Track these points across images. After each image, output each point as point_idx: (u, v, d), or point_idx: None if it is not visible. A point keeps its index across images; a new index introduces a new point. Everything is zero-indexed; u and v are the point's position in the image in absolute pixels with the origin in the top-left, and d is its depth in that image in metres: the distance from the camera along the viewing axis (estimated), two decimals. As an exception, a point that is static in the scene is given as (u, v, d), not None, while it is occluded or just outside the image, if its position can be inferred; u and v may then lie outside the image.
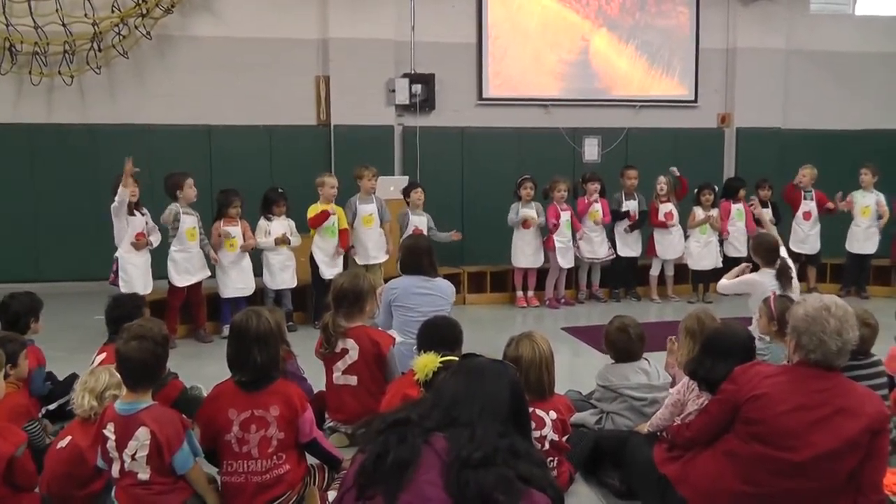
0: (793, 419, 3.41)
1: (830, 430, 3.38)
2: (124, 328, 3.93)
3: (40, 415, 4.99)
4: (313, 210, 8.66)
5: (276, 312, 4.48)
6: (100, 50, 10.20)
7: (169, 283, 7.97)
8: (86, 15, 9.99)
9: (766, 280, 6.49)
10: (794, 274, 6.72)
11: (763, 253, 6.68)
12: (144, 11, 10.18)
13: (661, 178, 10.23)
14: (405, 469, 2.35)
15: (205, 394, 4.49)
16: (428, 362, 4.10)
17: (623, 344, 4.82)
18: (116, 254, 7.63)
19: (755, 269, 6.83)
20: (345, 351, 4.79)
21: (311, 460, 4.08)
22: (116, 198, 7.36)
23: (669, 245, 10.23)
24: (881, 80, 12.68)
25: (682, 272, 10.51)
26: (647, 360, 4.89)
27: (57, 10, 9.90)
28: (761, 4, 12.22)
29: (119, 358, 3.79)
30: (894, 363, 5.26)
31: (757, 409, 3.46)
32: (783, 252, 6.81)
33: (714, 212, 10.17)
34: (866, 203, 10.31)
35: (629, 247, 10.28)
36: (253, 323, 3.92)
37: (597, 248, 10.07)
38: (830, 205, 10.27)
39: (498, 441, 2.41)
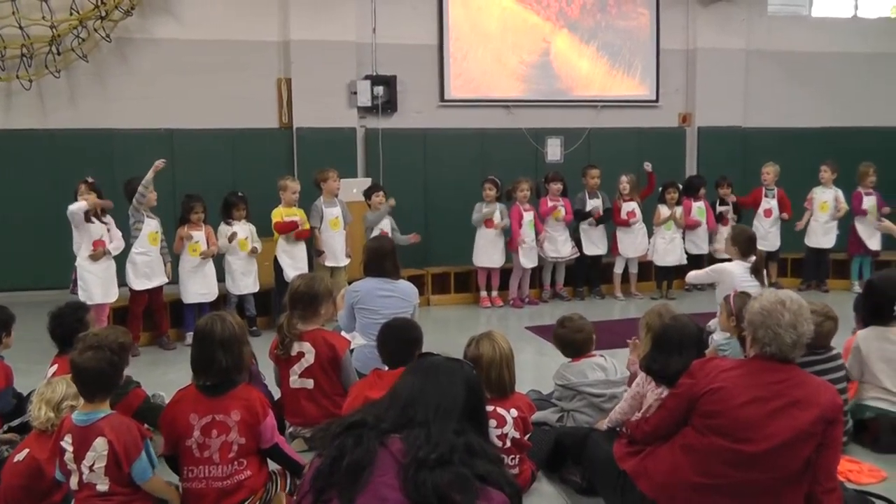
0: (749, 411, 3.45)
1: (786, 421, 3.43)
2: (79, 338, 3.88)
3: (2, 430, 4.92)
4: (277, 214, 8.65)
5: (235, 316, 4.46)
6: (59, 53, 10.07)
7: (129, 288, 7.90)
8: (43, 17, 9.85)
9: (736, 270, 6.53)
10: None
11: (741, 243, 6.70)
12: (103, 14, 10.05)
13: (624, 178, 10.32)
14: (361, 472, 2.36)
15: (167, 401, 4.45)
16: None
17: (566, 337, 4.89)
18: (76, 262, 7.55)
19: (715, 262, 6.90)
20: (301, 354, 4.77)
21: (274, 466, 4.06)
22: (74, 206, 7.29)
23: (632, 243, 10.33)
24: (838, 80, 12.89)
25: (646, 270, 10.63)
26: (603, 356, 4.93)
27: (13, 13, 9.76)
28: (720, 6, 12.37)
29: (74, 369, 3.73)
30: (849, 353, 5.34)
31: (714, 403, 3.50)
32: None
33: (679, 209, 10.28)
34: (825, 199, 10.51)
35: (594, 244, 10.35)
36: (217, 327, 3.91)
37: (560, 247, 10.13)
38: (785, 215, 10.46)
39: (454, 440, 2.42)
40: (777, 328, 3.48)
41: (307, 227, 8.79)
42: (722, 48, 12.40)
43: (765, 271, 6.69)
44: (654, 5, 12.35)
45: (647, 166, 10.38)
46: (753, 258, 6.63)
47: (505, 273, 10.09)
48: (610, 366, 4.86)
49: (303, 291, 4.87)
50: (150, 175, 7.62)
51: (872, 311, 5.35)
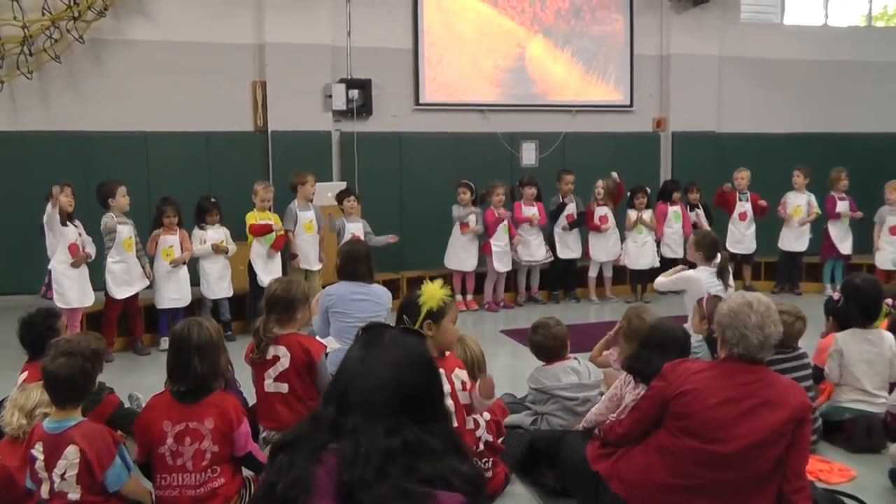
0: (720, 412, 3.50)
1: (756, 422, 3.48)
2: (50, 344, 3.86)
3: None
4: (252, 217, 8.63)
5: (212, 322, 4.44)
6: (31, 54, 9.96)
7: (106, 294, 7.84)
8: (14, 18, 9.71)
9: (702, 277, 6.51)
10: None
11: (705, 250, 6.68)
12: (76, 14, 9.95)
13: (599, 182, 10.39)
14: (296, 499, 2.13)
15: (144, 403, 4.42)
16: (435, 291, 4.06)
17: (541, 341, 4.92)
18: (49, 265, 7.48)
19: (692, 267, 6.91)
20: (276, 358, 4.76)
21: (249, 472, 4.04)
22: (45, 216, 7.23)
23: (603, 247, 10.41)
24: (810, 86, 13.09)
25: (621, 273, 10.70)
26: (576, 359, 4.96)
27: (-16, 14, 9.68)
28: (694, 13, 12.49)
29: (46, 376, 3.70)
30: (822, 356, 5.41)
31: (686, 404, 3.55)
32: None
33: (647, 213, 10.36)
34: (798, 203, 10.66)
35: (568, 248, 10.40)
36: (194, 332, 3.89)
37: (534, 250, 10.17)
38: (763, 202, 10.54)
39: (388, 443, 2.15)
40: (744, 329, 3.54)
41: (281, 232, 8.77)
42: (695, 54, 12.52)
43: (730, 273, 6.68)
44: (628, 11, 12.45)
45: (615, 176, 10.44)
46: (718, 261, 6.61)
47: (480, 277, 10.12)
48: (583, 369, 4.89)
49: (280, 295, 4.86)
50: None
51: (856, 313, 5.42)
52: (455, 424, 3.79)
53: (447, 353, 4.17)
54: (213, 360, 3.89)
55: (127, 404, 5.53)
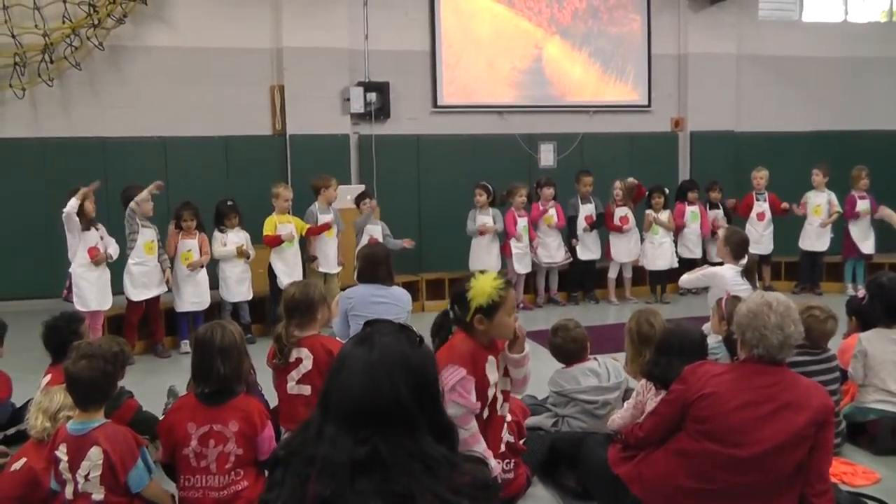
0: (740, 416, 3.49)
1: (777, 425, 3.46)
2: (73, 347, 3.90)
3: (-1, 440, 4.94)
4: (270, 223, 8.67)
5: (235, 326, 4.46)
6: (51, 62, 10.06)
7: (126, 298, 7.91)
8: (36, 26, 9.85)
9: (728, 274, 6.46)
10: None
11: (733, 246, 6.63)
12: (96, 22, 10.06)
13: (617, 183, 10.38)
14: None
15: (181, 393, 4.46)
16: (486, 286, 3.83)
17: (561, 344, 4.90)
18: (70, 269, 7.56)
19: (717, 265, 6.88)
20: (299, 360, 4.77)
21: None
22: (67, 208, 7.30)
23: (625, 248, 10.40)
24: (829, 84, 12.99)
25: (641, 274, 10.68)
26: (596, 359, 4.94)
27: (6, 22, 9.77)
28: (711, 11, 12.43)
29: (68, 378, 3.75)
30: (845, 357, 5.38)
31: (706, 408, 3.54)
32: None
33: (664, 214, 10.36)
34: (818, 202, 10.59)
35: (588, 249, 10.39)
36: (217, 335, 3.93)
37: (553, 252, 10.18)
38: (785, 205, 10.50)
39: (357, 454, 1.99)
40: (763, 330, 3.52)
41: (302, 232, 8.83)
42: (713, 53, 12.46)
43: (757, 274, 6.65)
44: (646, 11, 12.41)
45: (633, 180, 10.42)
46: (745, 261, 6.59)
47: (499, 278, 10.10)
48: (603, 371, 4.86)
49: (298, 299, 4.87)
50: (144, 193, 7.72)
51: (882, 312, 5.38)
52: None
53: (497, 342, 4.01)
54: (235, 362, 3.92)
55: (166, 399, 5.62)
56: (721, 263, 6.92)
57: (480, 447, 3.70)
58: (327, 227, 8.80)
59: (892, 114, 13.02)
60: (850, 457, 5.04)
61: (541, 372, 5.83)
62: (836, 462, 4.61)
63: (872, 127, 12.89)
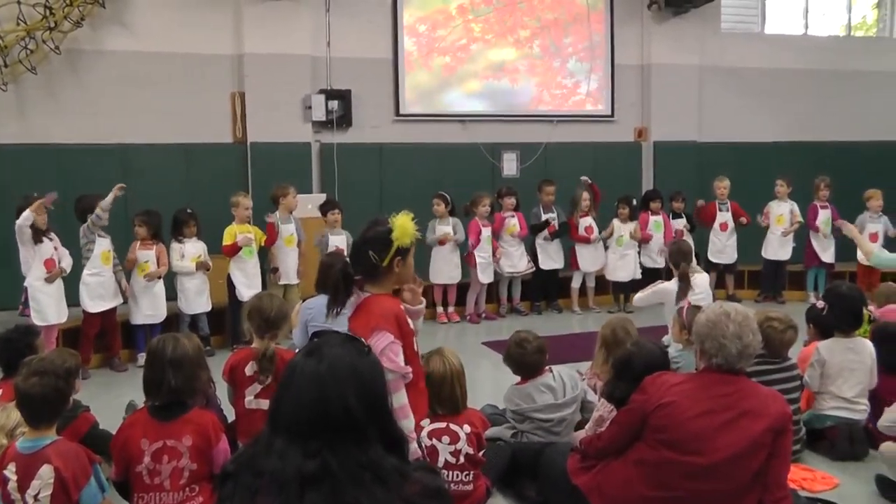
0: (700, 424, 3.53)
1: (736, 433, 3.52)
2: (23, 363, 3.84)
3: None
4: (230, 233, 8.62)
5: (192, 339, 4.42)
6: (6, 66, 9.87)
7: (83, 310, 7.81)
8: (-12, 29, 9.71)
9: (677, 287, 6.52)
10: (701, 281, 6.78)
11: (673, 257, 6.76)
12: (52, 24, 9.85)
13: (585, 195, 10.45)
14: None
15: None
16: (408, 225, 3.69)
17: (520, 358, 4.86)
18: (26, 283, 7.45)
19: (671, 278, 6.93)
20: (256, 374, 4.75)
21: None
22: (20, 220, 7.20)
23: (591, 258, 10.48)
24: (790, 95, 13.17)
25: (604, 283, 10.77)
26: (552, 371, 4.91)
27: (-43, 25, 9.62)
28: (674, 22, 12.56)
29: (19, 395, 3.69)
30: (804, 365, 5.46)
31: (665, 417, 3.57)
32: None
33: (631, 225, 10.50)
34: (781, 212, 10.79)
35: (551, 259, 10.45)
36: (169, 347, 3.91)
37: (516, 261, 10.21)
38: (744, 219, 10.65)
39: (305, 467, 1.99)
40: (722, 339, 3.57)
41: (261, 242, 8.78)
42: (676, 64, 12.58)
43: (690, 283, 6.58)
44: (609, 21, 12.51)
45: (586, 180, 10.52)
46: (682, 268, 6.56)
47: (461, 288, 10.14)
48: (559, 384, 4.82)
49: (276, 315, 4.87)
50: (109, 198, 7.64)
51: (840, 321, 5.47)
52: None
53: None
54: (188, 375, 3.89)
55: (124, 414, 5.54)
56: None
57: (410, 423, 3.57)
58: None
59: (852, 125, 13.27)
60: (810, 463, 5.13)
61: (503, 382, 5.85)
62: (795, 468, 4.70)
63: (833, 138, 13.11)
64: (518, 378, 4.94)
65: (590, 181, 10.51)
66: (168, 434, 3.77)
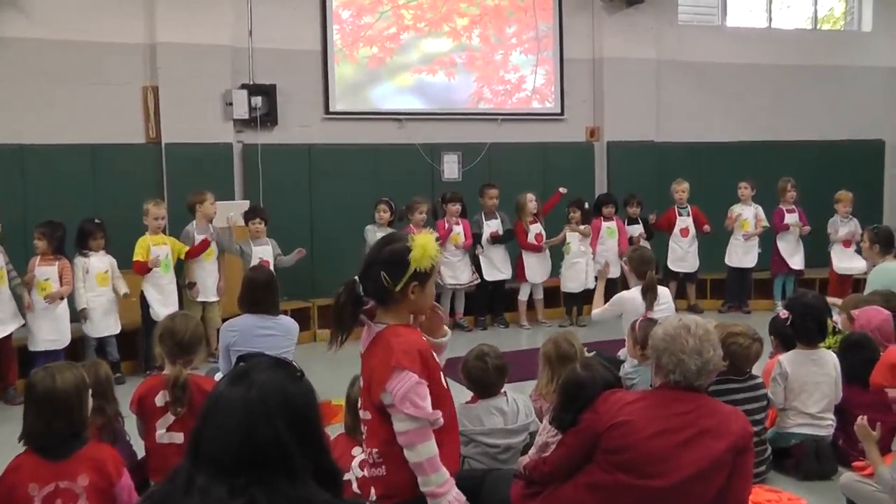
0: (657, 444, 3.59)
1: (696, 452, 3.58)
2: None
3: None
4: (143, 246, 8.52)
5: (100, 366, 4.35)
6: None
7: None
8: None
9: (637, 296, 6.65)
10: (664, 292, 6.94)
11: (634, 265, 6.90)
12: (-63, 10, 9.70)
13: (530, 195, 10.55)
14: None
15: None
16: (429, 245, 3.45)
17: (479, 374, 4.86)
18: None
19: (627, 286, 7.05)
20: (169, 405, 4.69)
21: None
22: None
23: (538, 267, 10.57)
24: (754, 92, 13.44)
25: (554, 295, 10.84)
26: (505, 395, 4.93)
27: None
28: (628, 13, 12.69)
29: None
30: (768, 378, 5.59)
31: (619, 437, 3.62)
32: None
33: (582, 229, 10.58)
34: (745, 216, 11.00)
35: (496, 269, 10.52)
36: (48, 381, 3.78)
37: (459, 273, 10.27)
38: (707, 227, 10.85)
39: (230, 503, 1.99)
40: (681, 354, 3.64)
41: (181, 254, 8.71)
42: (631, 58, 12.71)
43: (656, 294, 6.71)
44: (557, 12, 12.57)
45: (563, 190, 10.64)
46: (647, 277, 6.71)
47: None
48: (511, 409, 4.84)
49: (190, 338, 4.81)
50: None
51: (805, 332, 5.61)
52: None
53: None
54: (75, 414, 3.78)
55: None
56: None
57: (439, 478, 3.39)
58: (206, 244, 8.66)
59: (818, 123, 13.60)
60: (776, 483, 5.25)
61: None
62: (761, 489, 4.81)
63: (799, 137, 13.43)
64: (469, 396, 4.95)
65: (564, 192, 10.64)
66: (61, 475, 3.65)
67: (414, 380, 3.33)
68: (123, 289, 8.38)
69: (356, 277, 3.50)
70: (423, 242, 3.43)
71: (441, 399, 3.48)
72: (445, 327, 3.81)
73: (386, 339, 3.45)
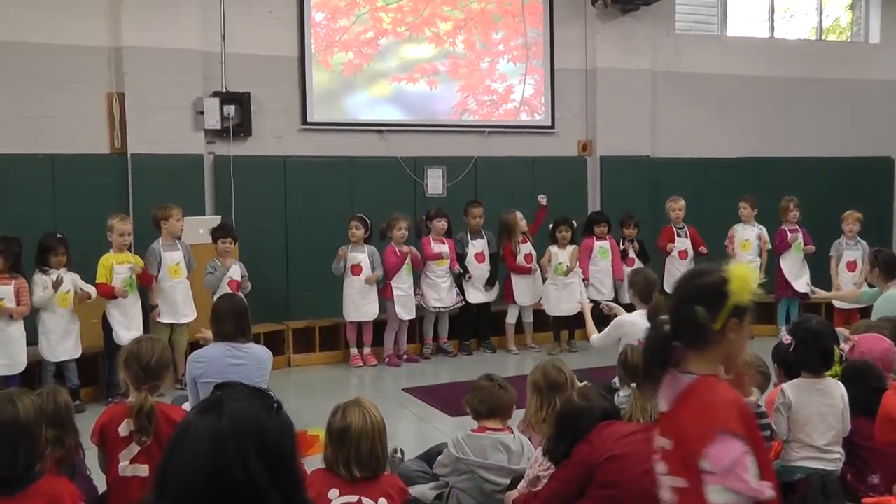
0: (652, 479, 3.58)
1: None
2: None
3: None
4: (104, 266, 8.49)
5: (59, 393, 4.31)
6: None
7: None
8: None
9: (638, 320, 6.61)
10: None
11: (638, 288, 6.90)
12: None
13: (519, 214, 10.57)
14: None
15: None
16: (748, 277, 3.10)
17: (492, 395, 4.95)
18: None
19: (629, 309, 7.06)
20: (132, 435, 4.65)
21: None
22: None
23: (528, 289, 10.59)
24: (755, 105, 13.53)
25: (543, 318, 10.85)
26: (513, 433, 4.96)
27: None
28: (623, 22, 12.74)
29: None
30: (771, 408, 5.58)
31: (614, 471, 3.63)
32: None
33: (569, 249, 10.64)
34: (746, 237, 11.08)
35: (482, 291, 10.53)
36: (11, 411, 3.73)
37: (443, 294, 10.27)
38: (703, 249, 10.89)
39: None
40: None
41: (139, 269, 8.67)
42: (625, 68, 12.75)
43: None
44: (548, 20, 12.62)
45: (542, 199, 10.65)
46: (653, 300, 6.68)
47: (379, 326, 10.13)
48: (517, 447, 4.86)
49: (156, 363, 4.78)
50: None
51: (809, 360, 5.61)
52: None
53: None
54: (31, 442, 3.76)
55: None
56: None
57: None
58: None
59: (824, 139, 13.67)
60: (780, 522, 5.23)
61: (428, 435, 5.88)
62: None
63: (802, 153, 13.51)
64: (475, 425, 4.98)
65: (544, 202, 10.65)
66: None
67: (740, 448, 2.94)
68: (92, 291, 8.36)
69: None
70: (741, 273, 3.12)
71: (764, 467, 3.05)
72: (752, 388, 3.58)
73: (699, 393, 3.09)
